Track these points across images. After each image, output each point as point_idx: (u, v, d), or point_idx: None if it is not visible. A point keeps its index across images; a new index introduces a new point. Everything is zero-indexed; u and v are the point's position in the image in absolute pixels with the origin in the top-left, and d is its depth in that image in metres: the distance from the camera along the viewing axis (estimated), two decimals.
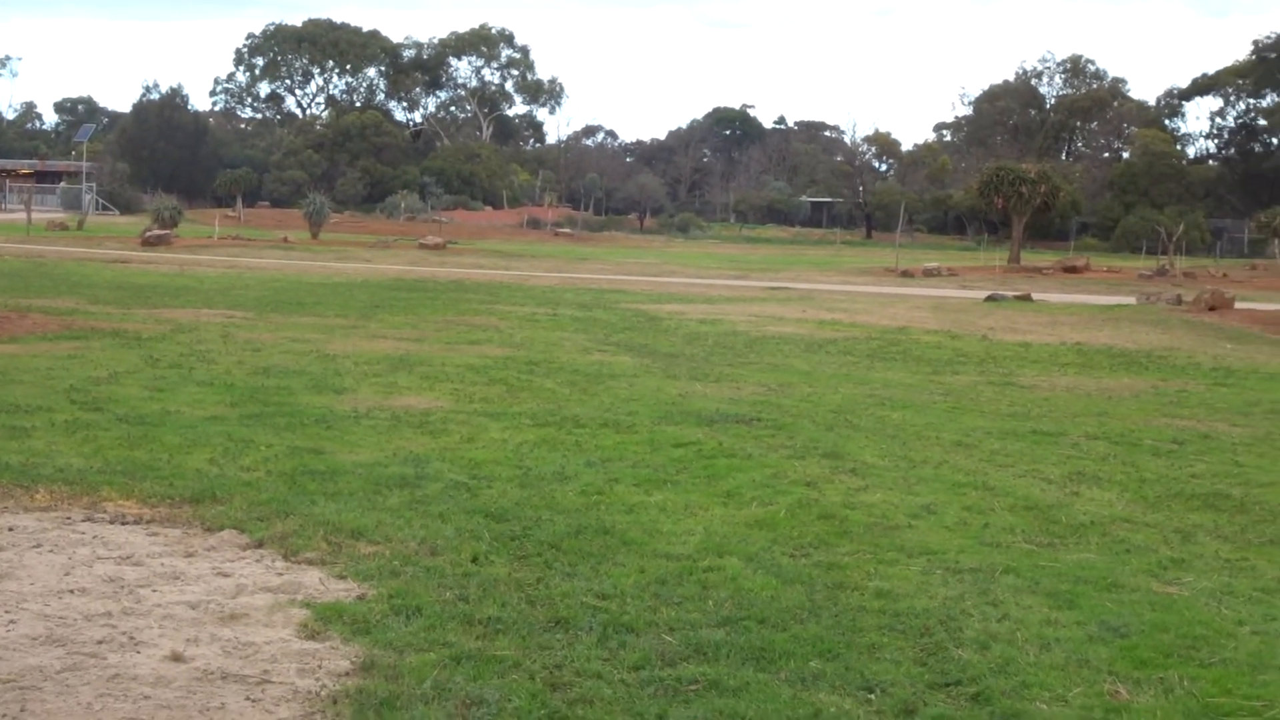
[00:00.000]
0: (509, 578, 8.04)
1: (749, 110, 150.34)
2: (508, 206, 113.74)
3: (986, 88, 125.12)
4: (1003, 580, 8.34)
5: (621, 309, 31.03)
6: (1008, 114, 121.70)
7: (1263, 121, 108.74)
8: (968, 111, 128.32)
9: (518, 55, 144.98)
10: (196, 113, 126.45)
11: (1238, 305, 36.17)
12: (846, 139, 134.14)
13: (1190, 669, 6.84)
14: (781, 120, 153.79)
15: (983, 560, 8.79)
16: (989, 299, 39.07)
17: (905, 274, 53.86)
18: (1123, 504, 10.90)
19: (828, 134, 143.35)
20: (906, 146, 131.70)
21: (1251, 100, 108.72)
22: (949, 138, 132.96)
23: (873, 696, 6.35)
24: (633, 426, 13.77)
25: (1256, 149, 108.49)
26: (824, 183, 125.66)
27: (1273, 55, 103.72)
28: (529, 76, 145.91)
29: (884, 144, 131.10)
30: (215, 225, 68.63)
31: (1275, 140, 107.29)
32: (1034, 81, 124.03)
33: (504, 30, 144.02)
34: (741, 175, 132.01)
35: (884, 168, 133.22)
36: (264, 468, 11.03)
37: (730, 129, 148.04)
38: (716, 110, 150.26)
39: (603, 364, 19.60)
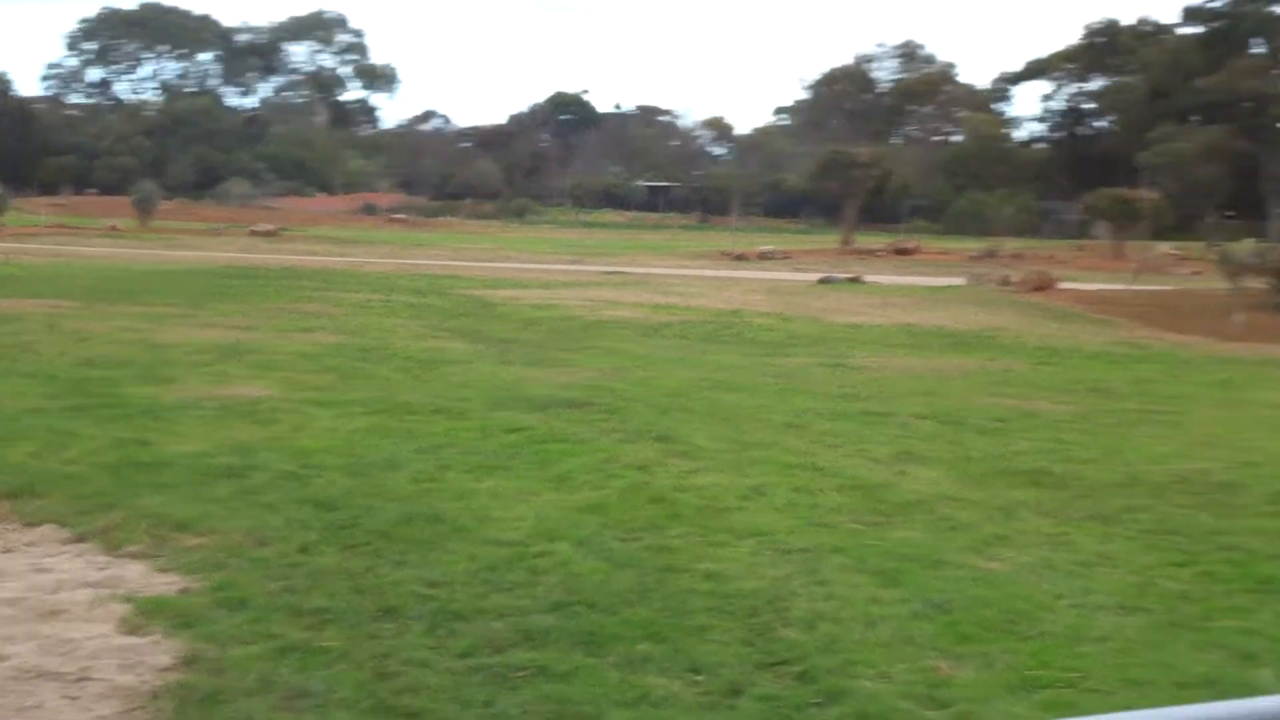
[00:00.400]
0: (338, 567, 7.97)
1: (585, 96, 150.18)
2: (343, 193, 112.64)
3: (825, 72, 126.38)
4: (830, 560, 8.44)
5: (456, 295, 30.90)
6: (844, 98, 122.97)
7: (1089, 105, 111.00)
8: (805, 95, 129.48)
9: (354, 40, 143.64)
10: (22, 99, 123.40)
11: (1063, 285, 36.95)
12: (684, 123, 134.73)
13: (1011, 642, 6.98)
14: (619, 105, 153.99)
15: (811, 540, 8.89)
16: (822, 281, 39.50)
17: (740, 257, 54.27)
18: (948, 482, 11.08)
19: (665, 118, 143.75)
20: (745, 131, 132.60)
21: (1080, 84, 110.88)
22: (786, 121, 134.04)
23: (700, 678, 6.39)
24: (465, 413, 13.71)
25: (1084, 132, 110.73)
26: (661, 167, 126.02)
27: (1103, 40, 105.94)
28: (365, 61, 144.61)
29: (721, 128, 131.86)
30: (41, 214, 67.06)
31: (1103, 123, 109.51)
32: (869, 66, 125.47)
33: (339, 15, 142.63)
34: (579, 160, 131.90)
35: (721, 152, 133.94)
36: (87, 460, 10.80)
37: (569, 114, 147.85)
38: (555, 95, 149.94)
39: (436, 350, 19.50)
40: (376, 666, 6.37)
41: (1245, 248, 33.93)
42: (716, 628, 7.09)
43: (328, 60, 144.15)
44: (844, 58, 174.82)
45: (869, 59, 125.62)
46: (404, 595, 7.44)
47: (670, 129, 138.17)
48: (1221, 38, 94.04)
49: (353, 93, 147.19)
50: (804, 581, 7.95)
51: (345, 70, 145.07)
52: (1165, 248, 57.93)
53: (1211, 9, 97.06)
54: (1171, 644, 7.06)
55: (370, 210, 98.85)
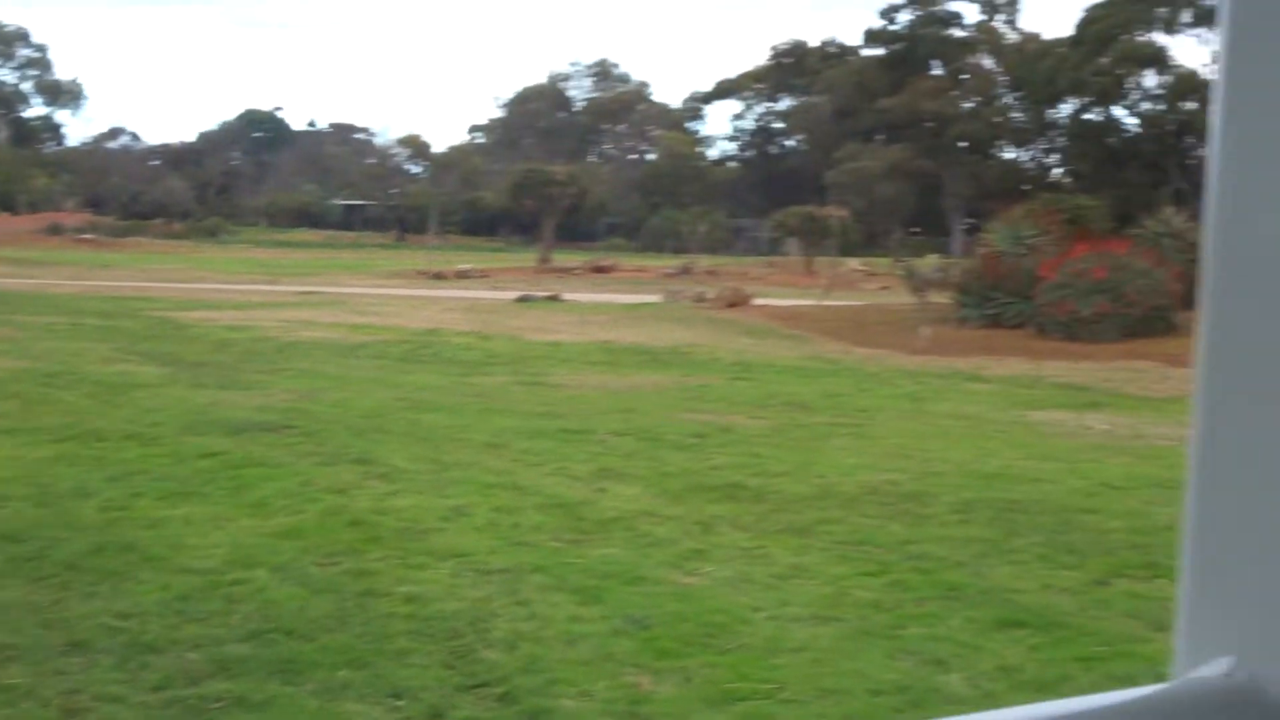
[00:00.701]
0: (23, 601, 7.66)
1: (278, 113, 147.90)
2: (27, 212, 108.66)
3: (519, 90, 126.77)
4: (531, 579, 8.43)
5: (147, 317, 30.06)
6: (538, 116, 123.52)
7: (779, 124, 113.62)
8: (500, 114, 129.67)
9: (36, 55, 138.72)
10: None
11: (756, 302, 37.71)
12: (379, 141, 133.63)
13: (709, 656, 7.07)
14: (313, 123, 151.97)
15: (512, 560, 8.87)
16: (520, 300, 39.56)
17: (438, 276, 54.02)
18: (647, 498, 11.18)
19: (360, 136, 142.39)
20: (441, 149, 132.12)
21: (769, 104, 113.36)
22: (482, 140, 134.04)
23: (401, 703, 6.31)
24: (157, 438, 13.34)
25: (774, 150, 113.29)
26: (357, 185, 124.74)
27: (789, 60, 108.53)
28: (48, 77, 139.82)
29: (417, 146, 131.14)
30: None
31: (792, 142, 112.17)
32: (563, 85, 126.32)
33: (20, 29, 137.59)
34: (273, 178, 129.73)
35: (418, 170, 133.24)
36: None
37: (261, 131, 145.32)
38: (247, 112, 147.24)
39: (126, 374, 18.92)
40: (65, 703, 6.14)
41: (929, 263, 35.09)
42: (417, 651, 7.02)
43: (8, 76, 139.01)
44: (539, 76, 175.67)
45: (563, 77, 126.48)
46: (93, 628, 7.18)
47: (366, 147, 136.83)
48: (902, 60, 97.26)
49: (36, 110, 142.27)
50: (505, 602, 7.93)
51: (27, 86, 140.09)
52: (854, 264, 59.52)
53: (892, 31, 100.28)
54: (865, 652, 7.23)
55: (56, 230, 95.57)
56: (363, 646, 7.06)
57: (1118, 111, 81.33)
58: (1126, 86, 78.32)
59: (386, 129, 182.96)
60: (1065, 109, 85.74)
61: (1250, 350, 0.85)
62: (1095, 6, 76.07)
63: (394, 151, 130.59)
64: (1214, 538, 0.91)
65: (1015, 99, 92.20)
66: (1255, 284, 0.84)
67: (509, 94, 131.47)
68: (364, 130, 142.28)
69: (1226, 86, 0.85)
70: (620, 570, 8.68)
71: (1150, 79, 78.12)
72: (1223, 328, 0.86)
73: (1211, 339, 0.87)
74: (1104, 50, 75.69)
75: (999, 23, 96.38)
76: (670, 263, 65.06)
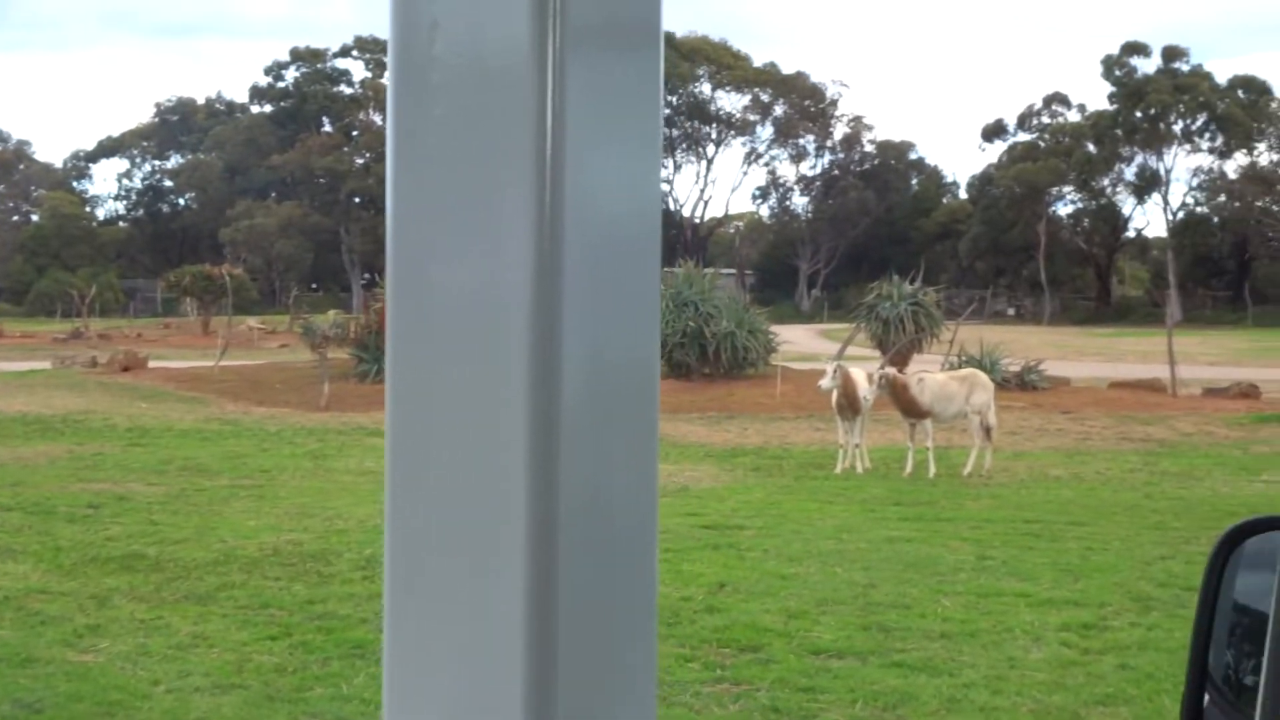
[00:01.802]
0: None
1: None
2: None
3: None
4: None
5: None
6: None
7: (169, 182, 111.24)
8: None
9: None
10: None
11: (152, 364, 36.73)
12: None
13: None
14: None
15: None
16: None
17: None
18: (38, 575, 10.72)
19: None
20: None
21: (158, 161, 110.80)
22: None
23: None
24: None
25: (165, 209, 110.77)
26: None
27: (174, 118, 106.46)
28: None
29: None
30: None
31: (182, 200, 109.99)
32: None
33: None
34: None
35: None
36: None
37: None
38: None
39: None
40: None
41: (328, 319, 35.10)
42: None
43: None
44: None
45: None
46: None
47: None
48: (291, 116, 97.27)
49: None
50: None
51: None
52: (253, 322, 58.93)
53: (279, 88, 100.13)
54: (270, 719, 7.16)
55: None
56: None
57: None
58: None
59: None
60: None
61: (431, 395, 0.91)
62: None
63: None
64: (408, 565, 0.94)
65: None
66: (434, 331, 0.90)
67: None
68: None
69: (395, 136, 0.92)
70: (9, 652, 8.28)
71: None
72: (405, 375, 0.91)
73: (396, 385, 0.92)
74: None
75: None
76: (61, 327, 62.56)
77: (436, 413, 0.91)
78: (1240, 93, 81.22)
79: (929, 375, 19.95)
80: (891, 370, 19.57)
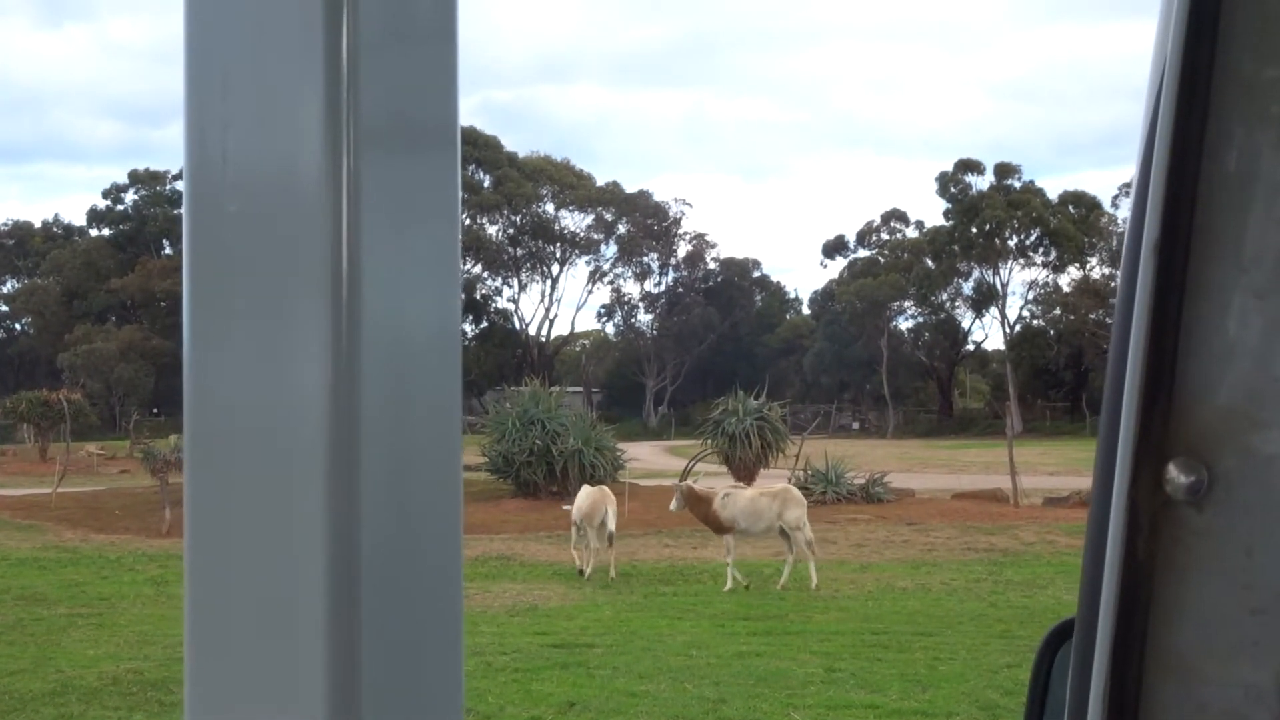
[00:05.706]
0: None
1: None
2: None
3: None
4: None
5: None
6: None
7: (4, 307, 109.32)
8: None
9: None
10: None
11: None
12: None
13: None
14: None
15: None
16: None
17: None
18: None
19: None
20: None
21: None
22: None
23: None
24: None
25: (1, 334, 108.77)
26: None
27: (10, 242, 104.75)
28: None
29: None
30: None
31: (18, 325, 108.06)
32: None
33: None
34: None
35: None
36: None
37: None
38: None
39: None
40: None
41: (169, 444, 34.55)
42: None
43: None
44: None
45: None
46: None
47: None
48: (131, 239, 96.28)
49: None
50: None
51: None
52: (93, 448, 57.78)
53: (118, 212, 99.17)
54: None
55: None
56: None
57: None
58: None
59: None
60: None
61: (229, 515, 0.92)
62: None
63: None
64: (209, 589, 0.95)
65: None
66: (231, 451, 0.92)
67: None
68: None
69: (190, 265, 0.94)
70: None
71: None
72: (203, 492, 0.93)
73: (194, 506, 0.94)
74: None
75: None
76: None
77: (235, 537, 0.92)
78: (1071, 208, 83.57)
79: (736, 491, 20.18)
80: (686, 484, 19.82)
